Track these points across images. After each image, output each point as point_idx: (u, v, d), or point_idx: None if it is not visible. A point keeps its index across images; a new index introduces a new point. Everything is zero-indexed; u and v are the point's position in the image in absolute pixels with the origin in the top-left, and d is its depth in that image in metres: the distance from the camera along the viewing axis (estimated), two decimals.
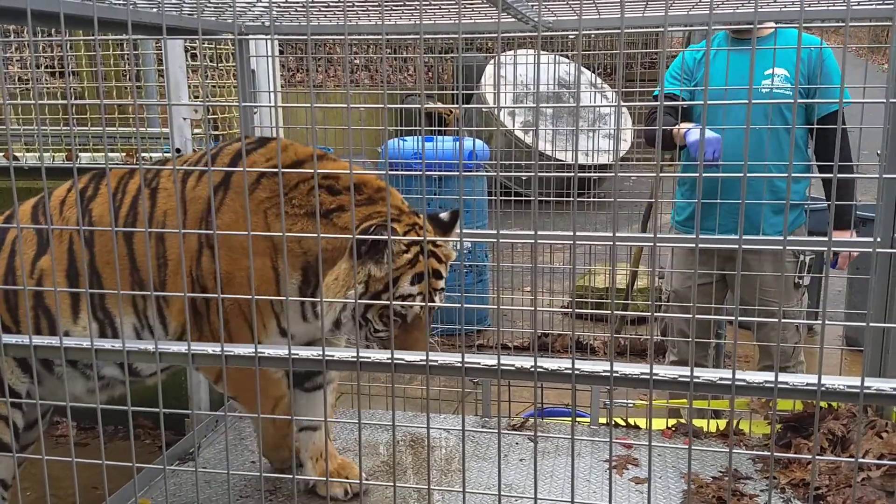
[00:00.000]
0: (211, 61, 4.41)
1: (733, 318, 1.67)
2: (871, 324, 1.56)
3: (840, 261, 3.61)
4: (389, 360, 1.77)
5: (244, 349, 1.90)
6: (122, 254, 2.60)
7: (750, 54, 1.47)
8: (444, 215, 2.66)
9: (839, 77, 3.61)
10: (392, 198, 2.43)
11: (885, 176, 2.97)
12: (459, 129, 1.69)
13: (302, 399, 2.86)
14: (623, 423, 3.47)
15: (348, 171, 2.31)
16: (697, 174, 1.48)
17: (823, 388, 1.58)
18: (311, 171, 2.42)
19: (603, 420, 3.48)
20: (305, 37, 4.02)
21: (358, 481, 2.83)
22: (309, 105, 1.73)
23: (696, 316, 3.48)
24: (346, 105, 1.70)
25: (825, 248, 3.04)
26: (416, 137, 5.12)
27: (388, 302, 2.25)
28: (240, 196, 2.49)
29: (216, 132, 3.80)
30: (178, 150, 3.46)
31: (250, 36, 3.40)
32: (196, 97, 3.86)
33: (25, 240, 2.71)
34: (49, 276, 2.59)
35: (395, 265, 2.38)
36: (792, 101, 3.61)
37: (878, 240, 3.10)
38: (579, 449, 3.26)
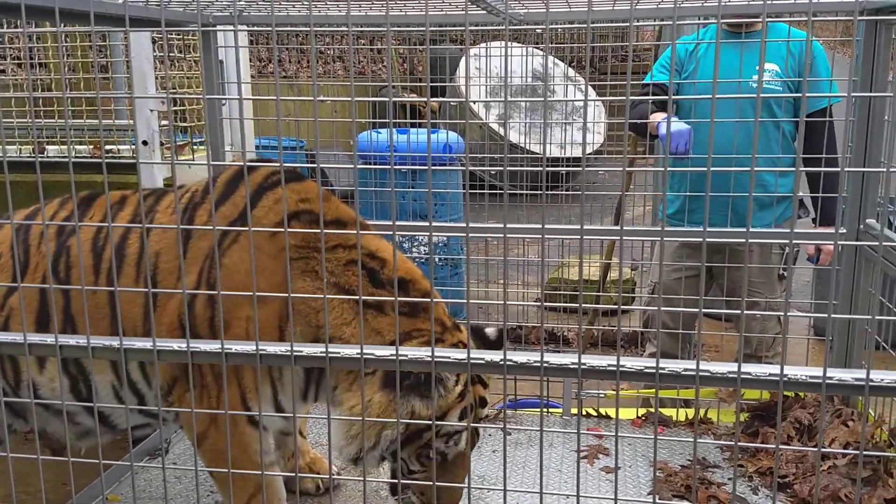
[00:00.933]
0: (179, 52, 4.36)
1: (721, 311, 1.69)
2: (834, 315, 1.58)
3: (823, 256, 3.66)
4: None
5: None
6: (101, 302, 2.29)
7: (741, 48, 1.48)
8: (490, 332, 2.34)
9: (828, 73, 3.66)
10: (434, 309, 2.11)
11: (846, 169, 3.01)
12: (427, 121, 1.64)
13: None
14: (595, 414, 3.50)
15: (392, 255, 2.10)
16: (677, 168, 1.49)
17: (786, 379, 1.59)
18: (354, 239, 2.16)
19: (575, 410, 3.51)
20: (271, 28, 3.98)
21: (328, 476, 2.77)
22: (275, 98, 1.71)
23: (684, 309, 3.52)
24: (313, 98, 1.69)
25: (792, 241, 3.07)
26: (389, 130, 5.10)
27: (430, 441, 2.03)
28: (256, 235, 2.14)
29: (184, 124, 3.75)
30: (144, 143, 3.41)
31: (217, 27, 3.36)
32: (164, 88, 3.81)
33: (2, 266, 2.44)
34: (18, 316, 2.33)
35: (445, 401, 2.11)
36: (784, 95, 3.65)
37: (843, 231, 3.15)
38: (552, 439, 3.28)
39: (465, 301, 2.04)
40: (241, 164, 2.38)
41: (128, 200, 2.48)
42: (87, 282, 2.29)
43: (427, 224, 2.56)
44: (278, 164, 2.24)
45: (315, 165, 1.92)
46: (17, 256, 2.19)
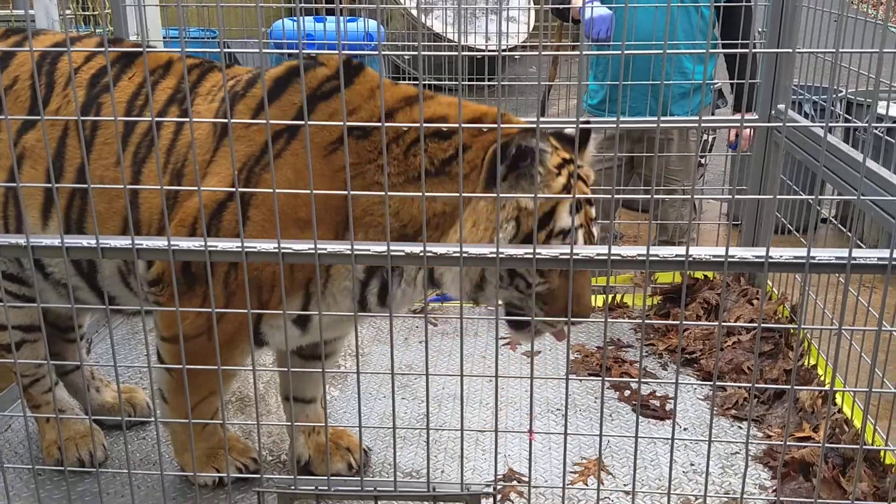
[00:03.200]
0: None
1: (642, 197, 1.73)
2: (738, 196, 1.64)
3: (742, 143, 3.77)
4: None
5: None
6: (126, 177, 1.99)
7: None
8: (569, 131, 2.05)
9: None
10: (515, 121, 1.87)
11: (759, 50, 3.05)
12: (337, 6, 1.52)
13: (298, 366, 2.38)
14: None
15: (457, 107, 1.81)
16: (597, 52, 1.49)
17: (691, 259, 1.67)
18: (410, 124, 1.91)
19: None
20: None
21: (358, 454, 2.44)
22: None
23: (609, 196, 3.60)
24: None
25: (700, 127, 3.14)
26: (306, 18, 4.90)
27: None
28: (306, 152, 1.87)
29: (85, 12, 3.52)
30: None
31: None
32: None
33: (17, 94, 2.13)
34: (31, 157, 2.09)
35: (550, 191, 1.89)
36: None
37: (756, 116, 3.24)
38: (477, 329, 3.39)
39: (378, 193, 1.90)
40: (297, 62, 2.02)
41: (172, 70, 2.16)
42: (113, 151, 2.03)
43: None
44: (335, 58, 1.99)
45: (221, 51, 1.73)
46: (38, 89, 1.92)
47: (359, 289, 2.02)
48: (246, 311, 1.69)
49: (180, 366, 1.79)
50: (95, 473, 2.28)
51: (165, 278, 2.02)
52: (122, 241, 1.66)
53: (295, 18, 4.93)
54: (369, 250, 1.71)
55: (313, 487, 1.83)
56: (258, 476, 2.10)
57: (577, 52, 4.90)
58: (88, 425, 2.40)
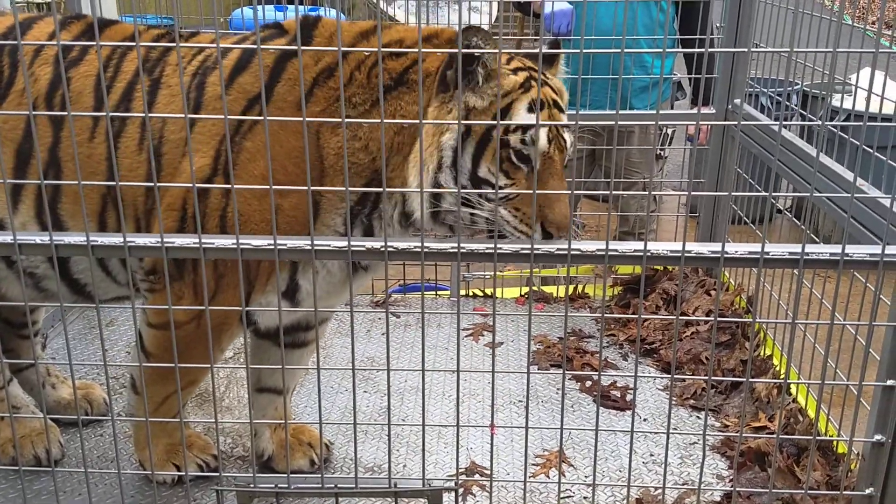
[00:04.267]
0: None
1: (602, 192, 1.74)
2: (695, 193, 1.66)
3: (701, 136, 3.81)
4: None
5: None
6: (98, 155, 2.01)
7: None
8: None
9: None
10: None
11: (719, 49, 3.10)
12: None
13: (276, 356, 2.29)
14: (480, 294, 3.63)
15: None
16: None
17: (649, 254, 1.69)
18: (367, 49, 1.94)
19: (463, 292, 3.62)
20: None
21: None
22: None
23: (573, 192, 3.62)
24: None
25: (657, 122, 3.18)
26: (267, 7, 4.84)
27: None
28: (282, 113, 1.92)
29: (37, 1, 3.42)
30: None
31: None
32: None
33: None
34: None
35: (502, 90, 1.87)
36: None
37: (712, 111, 3.29)
38: (440, 320, 3.39)
39: (328, 189, 1.90)
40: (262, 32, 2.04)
41: (140, 40, 2.10)
42: (85, 126, 1.97)
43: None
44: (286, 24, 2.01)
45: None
46: (3, 69, 1.86)
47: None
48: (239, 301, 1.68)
49: (166, 353, 1.79)
50: (52, 472, 2.24)
51: (159, 268, 2.00)
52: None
53: (254, 6, 4.85)
54: (329, 245, 1.72)
55: (273, 485, 1.82)
56: (217, 474, 2.08)
57: (539, 44, 4.90)
58: (44, 422, 2.35)
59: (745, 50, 3.05)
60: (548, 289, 3.67)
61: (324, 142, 1.94)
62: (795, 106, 4.82)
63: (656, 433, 2.57)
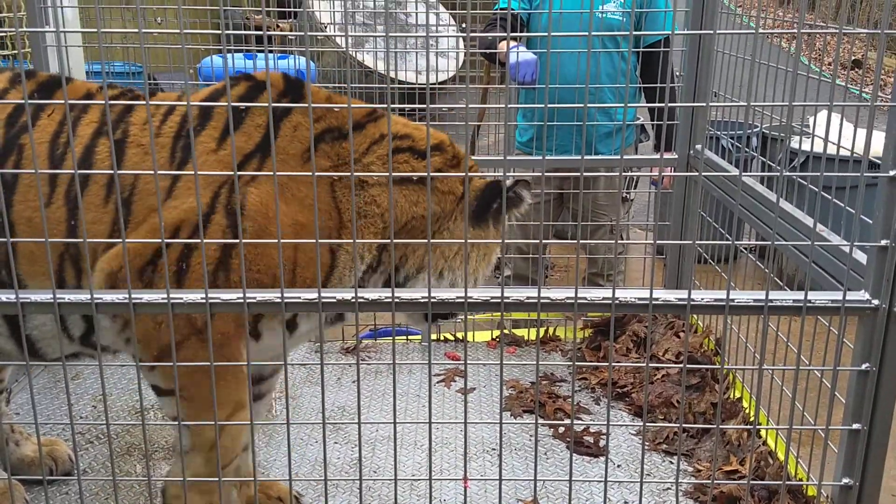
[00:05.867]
0: None
1: (570, 235, 1.76)
2: (660, 242, 1.70)
3: (665, 180, 3.88)
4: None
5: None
6: (59, 216, 1.92)
7: None
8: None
9: (666, 4, 3.80)
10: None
11: (679, 104, 3.18)
12: (266, 48, 1.51)
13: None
14: (452, 338, 3.63)
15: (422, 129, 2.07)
16: (526, 104, 1.52)
17: (618, 302, 1.71)
18: (378, 132, 2.10)
19: (434, 336, 3.61)
20: None
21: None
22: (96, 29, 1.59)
23: (533, 237, 3.64)
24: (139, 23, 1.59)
25: (621, 167, 3.23)
26: (236, 55, 4.88)
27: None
28: (284, 165, 1.95)
29: (4, 52, 3.41)
30: None
31: None
32: None
33: None
34: None
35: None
36: (626, 31, 3.75)
37: (674, 156, 3.36)
38: (411, 366, 3.38)
39: (310, 241, 1.90)
40: (240, 87, 2.08)
41: (93, 109, 2.05)
42: (41, 192, 1.84)
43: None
44: (274, 75, 2.04)
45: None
46: None
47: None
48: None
49: (205, 362, 1.70)
50: None
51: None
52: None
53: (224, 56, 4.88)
54: (300, 298, 1.71)
55: None
56: None
57: (505, 88, 4.99)
58: (8, 482, 2.28)
59: (704, 105, 3.14)
60: (519, 332, 3.69)
61: (340, 196, 2.03)
62: (756, 148, 4.95)
63: (630, 482, 2.57)
